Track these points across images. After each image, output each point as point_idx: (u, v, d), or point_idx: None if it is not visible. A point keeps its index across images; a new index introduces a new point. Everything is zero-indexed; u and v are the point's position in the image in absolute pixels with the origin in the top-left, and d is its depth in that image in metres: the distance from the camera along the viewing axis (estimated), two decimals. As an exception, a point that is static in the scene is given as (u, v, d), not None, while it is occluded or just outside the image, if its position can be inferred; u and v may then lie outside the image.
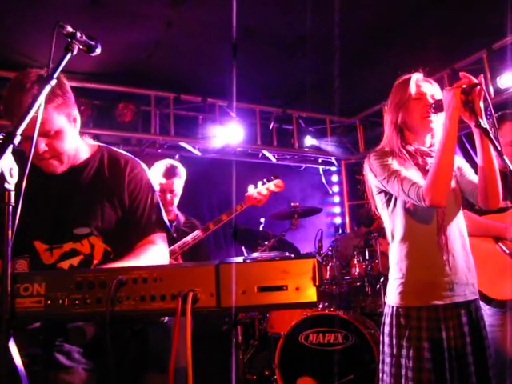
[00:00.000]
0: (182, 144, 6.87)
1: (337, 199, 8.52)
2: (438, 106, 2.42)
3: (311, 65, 6.07)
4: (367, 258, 5.19)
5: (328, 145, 7.86)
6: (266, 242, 5.20)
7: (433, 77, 2.66)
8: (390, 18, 5.37)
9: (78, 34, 1.71)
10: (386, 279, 2.68)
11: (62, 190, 2.12)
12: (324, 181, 8.42)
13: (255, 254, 1.40)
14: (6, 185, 1.29)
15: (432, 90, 2.57)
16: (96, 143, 2.28)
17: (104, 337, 1.29)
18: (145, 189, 2.16)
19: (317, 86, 6.38)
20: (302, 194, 7.85)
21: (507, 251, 2.93)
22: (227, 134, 6.81)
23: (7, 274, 1.28)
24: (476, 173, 2.48)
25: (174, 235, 3.63)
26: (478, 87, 2.25)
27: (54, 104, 1.95)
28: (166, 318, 2.07)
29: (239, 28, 4.91)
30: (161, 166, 3.91)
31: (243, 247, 5.66)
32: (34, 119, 1.47)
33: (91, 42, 1.77)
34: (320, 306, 4.87)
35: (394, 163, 2.48)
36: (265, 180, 3.88)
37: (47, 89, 1.54)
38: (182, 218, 4.01)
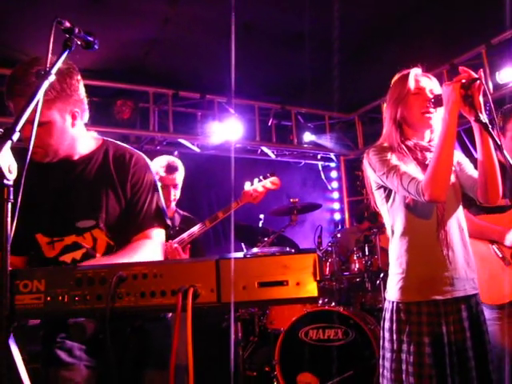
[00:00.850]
0: (181, 141, 6.86)
1: (336, 195, 8.52)
2: (438, 101, 2.41)
3: (310, 61, 6.06)
4: (367, 253, 5.18)
5: (327, 141, 7.86)
6: (266, 239, 5.19)
7: (432, 72, 2.66)
8: (389, 14, 5.37)
9: (76, 30, 1.70)
10: (386, 275, 2.68)
11: (62, 179, 2.11)
12: (323, 177, 8.41)
13: (255, 250, 1.39)
14: (5, 181, 1.28)
15: (431, 84, 2.56)
16: (100, 137, 2.27)
17: (104, 333, 1.29)
18: (147, 183, 2.15)
19: (315, 82, 6.38)
20: (301, 191, 7.86)
21: (500, 255, 2.92)
22: (226, 130, 6.81)
23: (6, 271, 1.27)
24: (476, 168, 2.48)
25: (171, 232, 3.62)
26: (478, 82, 2.24)
27: (46, 97, 1.91)
28: (170, 314, 2.07)
29: (238, 24, 4.90)
30: (162, 161, 3.90)
31: (243, 244, 5.66)
32: (33, 111, 1.46)
33: (89, 38, 1.76)
34: (320, 301, 4.88)
35: (393, 158, 2.48)
36: (261, 177, 3.87)
37: (45, 85, 1.53)
38: (179, 215, 4.00)
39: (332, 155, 8.25)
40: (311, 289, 1.29)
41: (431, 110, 2.48)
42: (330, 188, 8.47)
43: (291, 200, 5.24)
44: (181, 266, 1.35)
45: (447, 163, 2.31)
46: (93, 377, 1.93)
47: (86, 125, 2.19)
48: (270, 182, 3.85)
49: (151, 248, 2.05)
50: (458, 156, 2.66)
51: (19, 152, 1.41)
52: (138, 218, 2.11)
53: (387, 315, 2.51)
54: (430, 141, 2.60)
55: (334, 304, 4.77)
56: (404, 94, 2.54)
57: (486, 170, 2.35)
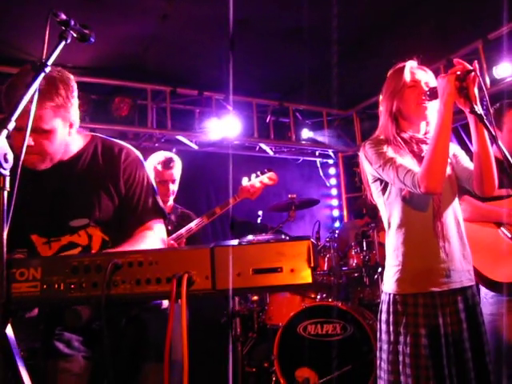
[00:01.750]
0: (179, 137, 6.87)
1: (334, 192, 8.52)
2: (433, 93, 2.42)
3: (307, 58, 6.08)
4: (365, 248, 5.19)
5: (325, 137, 7.87)
6: (264, 234, 5.19)
7: (429, 67, 2.66)
8: (387, 10, 5.38)
9: (72, 22, 1.70)
10: (384, 270, 2.68)
11: (56, 182, 2.11)
12: (321, 173, 8.42)
13: (250, 237, 1.41)
14: (1, 170, 1.29)
15: (426, 77, 2.57)
16: (89, 133, 2.27)
17: (100, 320, 1.30)
18: (140, 176, 2.15)
19: (313, 78, 6.38)
20: (300, 187, 7.86)
21: (510, 235, 2.93)
22: (224, 127, 6.81)
23: (3, 259, 1.28)
24: (472, 161, 2.49)
25: (169, 228, 3.63)
26: (473, 73, 2.25)
27: (53, 104, 1.93)
28: (165, 305, 2.08)
29: (235, 21, 4.91)
30: (159, 156, 3.92)
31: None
32: (27, 110, 1.46)
33: (85, 31, 1.77)
34: (318, 296, 4.89)
35: (389, 151, 2.49)
36: (258, 173, 3.88)
37: (41, 77, 1.53)
38: (177, 210, 4.01)
39: (330, 152, 8.25)
40: (305, 275, 1.30)
41: (427, 102, 2.49)
42: (328, 185, 8.48)
43: (289, 196, 5.24)
44: (176, 254, 1.36)
45: (443, 155, 2.32)
46: (90, 367, 1.94)
47: (84, 122, 2.19)
48: (267, 178, 3.86)
49: (154, 239, 2.06)
50: (454, 148, 2.67)
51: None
52: (137, 212, 2.11)
53: (384, 307, 2.53)
54: (425, 133, 2.61)
55: (332, 299, 4.77)
56: (400, 87, 2.55)
57: (482, 161, 2.36)
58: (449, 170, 2.52)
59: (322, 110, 7.87)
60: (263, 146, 7.56)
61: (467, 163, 2.59)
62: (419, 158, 2.47)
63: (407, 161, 2.45)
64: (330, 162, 8.52)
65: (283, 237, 1.36)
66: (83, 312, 1.75)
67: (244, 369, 4.96)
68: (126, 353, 1.99)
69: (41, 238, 2.09)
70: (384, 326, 2.50)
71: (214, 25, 5.29)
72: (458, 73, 2.28)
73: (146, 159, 3.67)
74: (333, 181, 8.53)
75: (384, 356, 2.48)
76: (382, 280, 4.36)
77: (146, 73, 6.44)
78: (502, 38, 5.52)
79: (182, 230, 3.71)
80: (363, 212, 6.23)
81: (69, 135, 2.08)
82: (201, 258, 1.32)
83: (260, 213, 5.44)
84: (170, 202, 3.97)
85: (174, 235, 3.67)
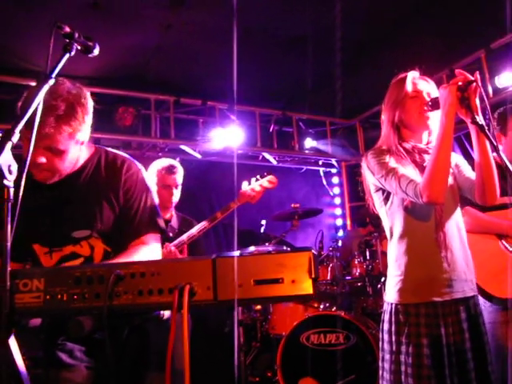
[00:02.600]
0: (183, 147, 6.88)
1: (338, 201, 8.51)
2: (435, 104, 2.43)
3: (310, 67, 6.09)
4: (368, 257, 5.19)
5: (328, 147, 7.87)
6: (267, 244, 5.20)
7: (432, 77, 2.67)
8: (389, 19, 5.39)
9: (76, 35, 1.72)
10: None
11: (59, 193, 2.14)
12: (325, 183, 8.42)
13: (252, 248, 1.42)
14: (5, 182, 1.30)
15: (428, 87, 2.59)
16: (93, 145, 2.30)
17: (102, 330, 1.30)
18: (140, 189, 2.17)
19: (316, 87, 6.40)
20: (303, 197, 7.85)
21: (510, 249, 2.92)
22: (227, 136, 6.83)
23: (6, 270, 1.29)
24: (474, 170, 2.49)
25: (171, 235, 3.65)
26: (474, 84, 2.26)
27: (71, 129, 1.97)
28: (167, 315, 2.08)
29: (239, 30, 4.93)
30: (163, 162, 4.00)
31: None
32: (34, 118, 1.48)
33: (89, 43, 1.79)
34: (321, 306, 4.89)
35: (391, 161, 2.49)
36: (258, 176, 3.89)
37: (45, 88, 1.55)
38: (178, 217, 4.03)
39: (333, 161, 8.24)
40: (306, 286, 1.30)
41: (428, 112, 2.51)
42: (331, 194, 8.47)
43: (292, 205, 5.25)
44: (178, 265, 1.37)
45: (445, 165, 2.32)
46: (93, 377, 1.94)
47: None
48: (267, 181, 3.87)
49: (147, 253, 2.07)
50: (456, 158, 2.68)
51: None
52: (133, 225, 2.13)
53: (386, 317, 2.53)
54: (427, 143, 2.62)
55: (335, 308, 4.77)
56: (401, 97, 2.57)
57: (483, 170, 2.37)
58: (451, 180, 2.53)
59: (325, 119, 7.87)
60: (266, 155, 7.57)
61: (469, 173, 2.59)
62: (421, 168, 2.47)
63: (409, 171, 2.46)
64: (334, 171, 8.52)
65: (285, 248, 1.36)
66: (86, 322, 1.75)
67: (247, 378, 4.96)
68: (129, 362, 2.00)
69: (43, 247, 2.11)
70: (386, 336, 2.50)
71: (217, 35, 5.31)
72: (460, 83, 2.29)
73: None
74: (336, 190, 8.52)
75: (386, 366, 2.48)
76: (385, 289, 4.35)
77: (150, 82, 6.46)
78: (504, 48, 5.53)
79: (184, 237, 3.72)
80: (366, 221, 6.22)
81: (79, 151, 2.12)
82: (203, 269, 1.33)
83: (263, 222, 5.45)
84: (173, 207, 4.00)
85: (175, 241, 3.69)
